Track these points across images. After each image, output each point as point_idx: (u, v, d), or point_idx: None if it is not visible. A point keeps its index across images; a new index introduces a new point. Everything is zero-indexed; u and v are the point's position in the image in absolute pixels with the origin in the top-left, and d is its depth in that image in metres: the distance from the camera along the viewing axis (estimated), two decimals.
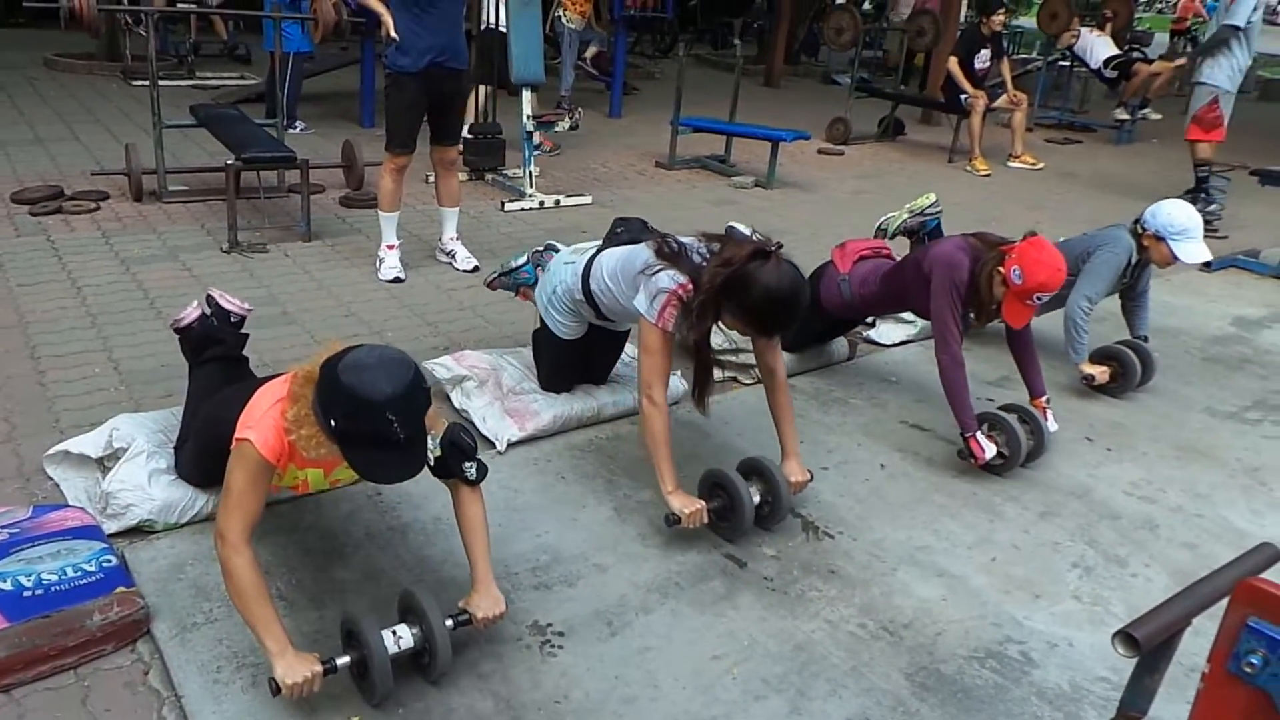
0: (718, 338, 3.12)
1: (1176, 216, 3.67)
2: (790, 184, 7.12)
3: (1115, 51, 10.55)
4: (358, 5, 5.43)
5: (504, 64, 5.84)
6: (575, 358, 3.18)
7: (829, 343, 3.88)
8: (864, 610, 2.39)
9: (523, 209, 5.73)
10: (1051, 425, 3.24)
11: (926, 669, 2.20)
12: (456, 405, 3.15)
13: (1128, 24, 12.35)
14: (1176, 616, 1.30)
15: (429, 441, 1.93)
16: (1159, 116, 11.06)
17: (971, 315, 3.16)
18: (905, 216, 4.07)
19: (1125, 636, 1.25)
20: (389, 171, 4.32)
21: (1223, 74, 6.67)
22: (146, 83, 5.88)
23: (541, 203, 5.81)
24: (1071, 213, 6.64)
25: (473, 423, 3.05)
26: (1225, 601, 1.13)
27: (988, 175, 8.01)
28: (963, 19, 11.58)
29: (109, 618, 2.01)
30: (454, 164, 4.57)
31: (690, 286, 2.49)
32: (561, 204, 5.89)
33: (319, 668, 1.86)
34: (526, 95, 5.70)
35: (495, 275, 3.52)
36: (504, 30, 5.90)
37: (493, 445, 2.97)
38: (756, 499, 2.58)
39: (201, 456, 2.35)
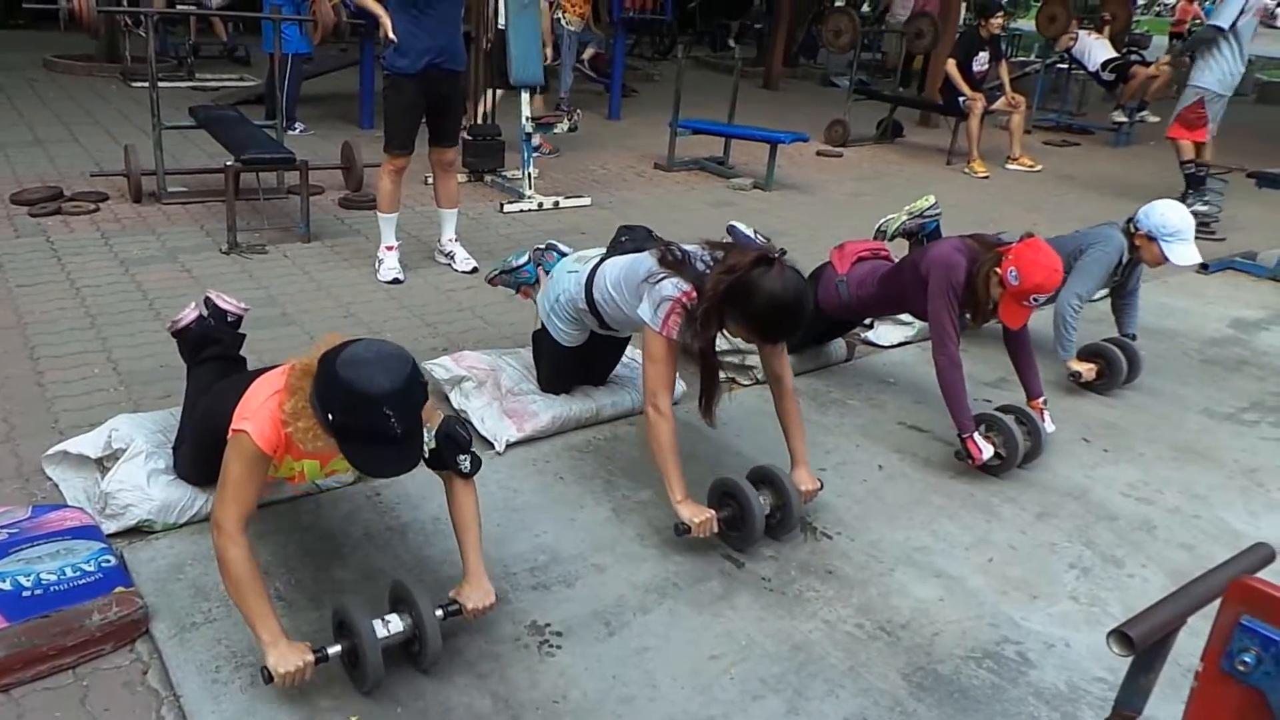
0: (718, 340, 3.13)
1: (1170, 218, 3.68)
2: (789, 186, 7.12)
3: (1113, 54, 10.57)
4: (356, 7, 5.44)
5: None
6: (576, 363, 3.18)
7: (827, 344, 3.89)
8: (861, 610, 2.39)
9: (522, 210, 5.74)
10: (1048, 426, 3.25)
11: (924, 669, 2.21)
12: (455, 406, 3.16)
13: (1126, 27, 12.39)
14: (1171, 616, 1.30)
15: (425, 434, 1.94)
16: (1157, 119, 11.05)
17: (968, 316, 3.17)
18: (904, 219, 4.08)
19: (1120, 635, 1.25)
20: (388, 173, 4.32)
21: (1211, 76, 6.72)
22: (146, 84, 5.89)
23: (540, 204, 5.82)
24: (1069, 215, 6.64)
25: (471, 423, 3.05)
26: (1219, 601, 1.14)
27: (986, 177, 8.02)
28: (961, 22, 11.59)
29: (108, 618, 2.02)
30: (452, 165, 4.57)
31: (694, 294, 2.48)
32: (560, 205, 5.89)
33: (311, 657, 1.89)
34: (525, 97, 5.72)
35: (496, 272, 3.53)
36: None
37: (491, 446, 2.97)
38: (767, 509, 2.56)
39: (199, 449, 2.35)
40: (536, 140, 6.09)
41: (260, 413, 1.94)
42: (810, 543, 2.66)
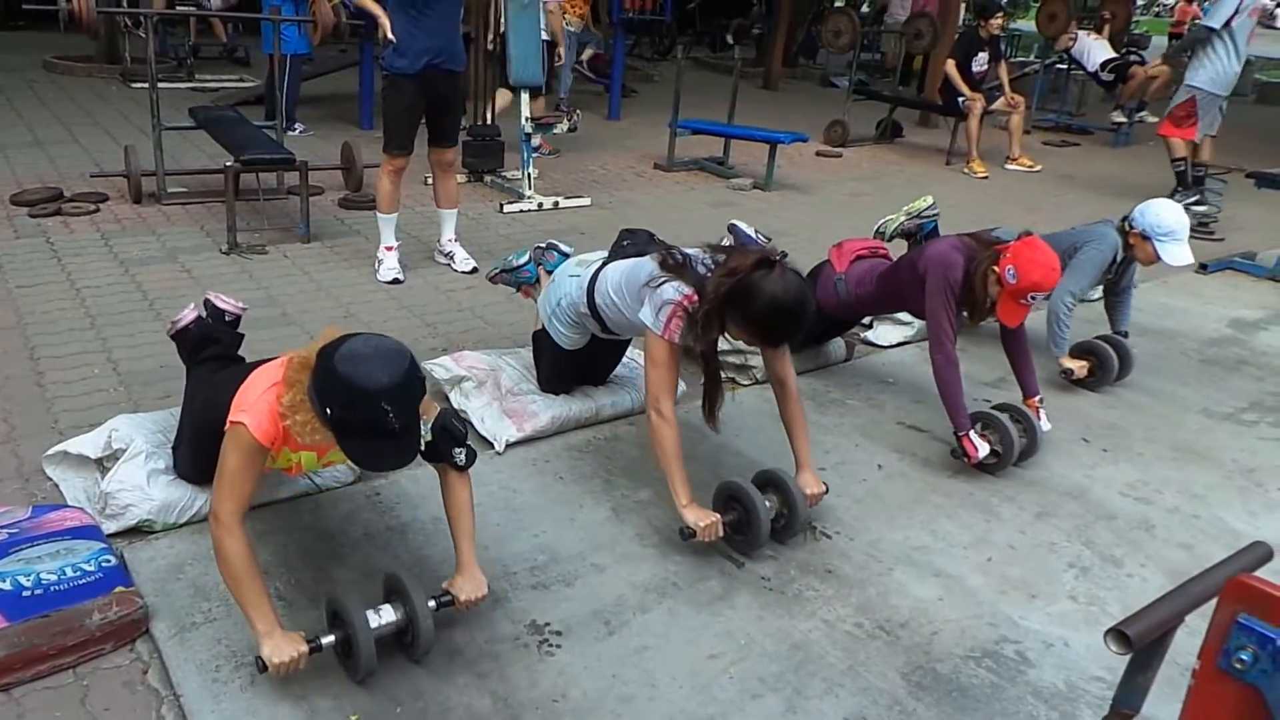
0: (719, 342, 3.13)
1: (1165, 217, 3.69)
2: (788, 186, 7.13)
3: (1112, 55, 10.58)
4: (356, 8, 5.45)
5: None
6: (576, 366, 3.18)
7: (826, 343, 3.89)
8: (861, 610, 2.40)
9: (521, 210, 5.74)
10: (1044, 424, 3.25)
11: (923, 668, 2.21)
12: (455, 406, 3.16)
13: (1125, 27, 12.39)
14: (1168, 614, 1.31)
15: (421, 427, 1.95)
16: (1156, 119, 11.06)
17: (966, 314, 3.18)
18: (903, 219, 4.08)
19: (1117, 634, 1.26)
20: (387, 173, 4.33)
21: (1205, 75, 6.75)
22: (146, 85, 5.89)
23: (540, 204, 5.82)
24: (1069, 215, 6.64)
25: (471, 423, 3.06)
26: (1217, 599, 1.14)
27: (985, 178, 8.03)
28: (960, 22, 11.60)
29: (108, 617, 2.02)
30: (452, 165, 4.58)
31: (695, 297, 2.48)
32: (560, 206, 5.90)
33: (305, 647, 1.91)
34: (525, 97, 5.72)
35: (497, 271, 3.53)
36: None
37: (491, 446, 2.98)
38: (772, 513, 2.55)
39: (197, 441, 2.36)
40: (536, 140, 6.10)
41: (258, 405, 1.95)
42: (810, 542, 2.66)
